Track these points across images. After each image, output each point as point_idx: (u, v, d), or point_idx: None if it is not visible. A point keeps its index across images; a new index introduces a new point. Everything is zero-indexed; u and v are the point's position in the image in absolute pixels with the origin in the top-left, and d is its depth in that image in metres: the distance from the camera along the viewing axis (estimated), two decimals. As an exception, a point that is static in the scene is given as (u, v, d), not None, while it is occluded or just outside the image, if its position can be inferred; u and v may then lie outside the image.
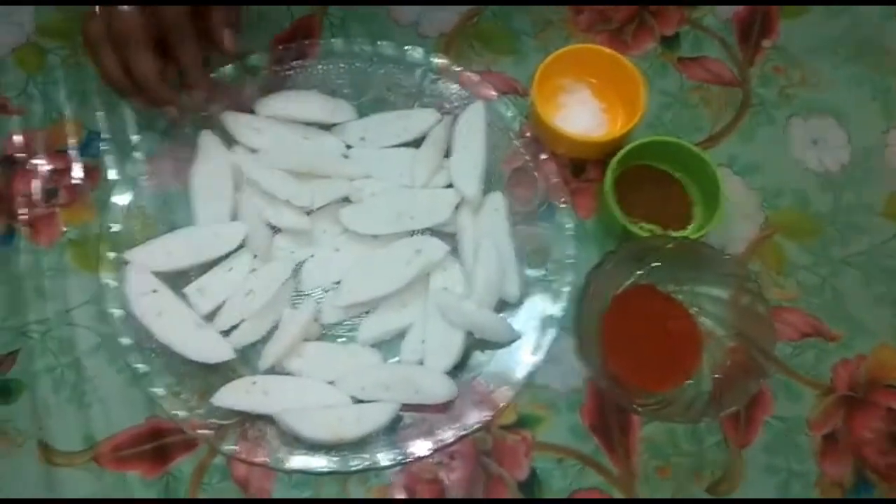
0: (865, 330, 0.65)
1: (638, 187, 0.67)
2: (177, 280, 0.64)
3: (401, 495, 0.60)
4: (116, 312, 0.62)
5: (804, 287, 0.67)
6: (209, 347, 0.61)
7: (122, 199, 0.66)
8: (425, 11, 0.77)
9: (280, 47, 0.72)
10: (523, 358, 0.62)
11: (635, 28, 0.77)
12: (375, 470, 0.59)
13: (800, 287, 0.67)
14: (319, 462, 0.58)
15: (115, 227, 0.65)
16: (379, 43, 0.72)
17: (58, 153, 0.71)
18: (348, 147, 0.70)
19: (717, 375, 0.59)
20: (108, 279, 0.63)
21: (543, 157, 0.68)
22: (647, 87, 0.67)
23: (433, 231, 0.66)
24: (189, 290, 0.63)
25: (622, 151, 0.65)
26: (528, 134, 0.69)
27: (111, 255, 0.63)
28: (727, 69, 0.75)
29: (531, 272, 0.66)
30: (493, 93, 0.70)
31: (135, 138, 0.70)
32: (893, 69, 0.75)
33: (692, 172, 0.67)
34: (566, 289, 0.64)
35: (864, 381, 0.64)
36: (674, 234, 0.65)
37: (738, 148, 0.72)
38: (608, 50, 0.69)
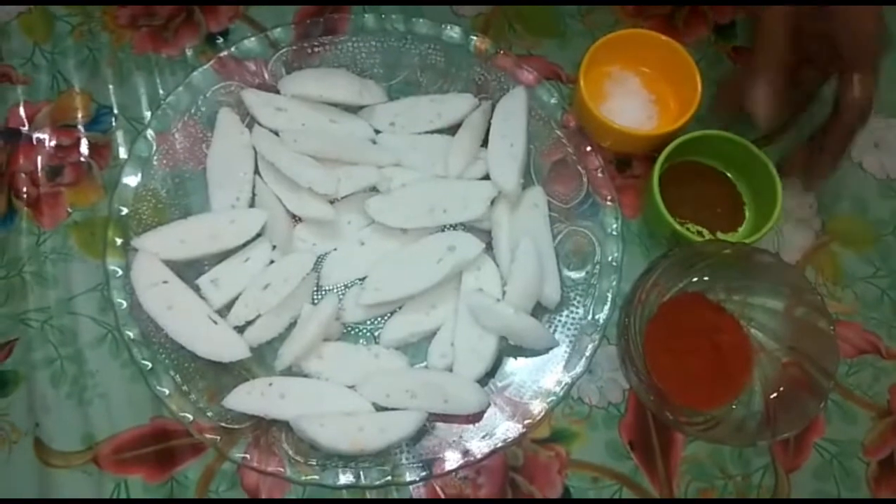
0: (926, 349, 0.63)
1: (686, 185, 0.64)
2: (189, 270, 0.61)
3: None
4: (122, 303, 0.59)
5: (862, 300, 0.65)
6: (222, 344, 0.58)
7: (132, 179, 0.63)
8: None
9: (307, 21, 0.68)
10: (560, 367, 0.60)
11: (687, 14, 0.73)
12: (397, 485, 0.56)
13: (857, 300, 0.64)
14: (337, 474, 0.56)
15: (124, 211, 0.62)
16: (413, 20, 0.68)
17: (64, 128, 0.68)
18: (377, 132, 0.67)
19: (772, 395, 0.57)
20: (114, 266, 0.60)
21: (588, 149, 0.64)
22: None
23: (467, 227, 0.63)
24: (202, 281, 0.61)
25: (670, 146, 0.61)
26: (571, 124, 0.65)
27: (118, 240, 0.61)
28: (785, 62, 0.70)
29: (571, 274, 0.63)
30: (535, 78, 0.67)
31: (147, 114, 0.67)
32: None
33: (744, 171, 0.64)
34: (609, 293, 0.61)
35: (924, 404, 0.62)
36: (723, 236, 0.63)
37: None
38: (664, 37, 0.65)
